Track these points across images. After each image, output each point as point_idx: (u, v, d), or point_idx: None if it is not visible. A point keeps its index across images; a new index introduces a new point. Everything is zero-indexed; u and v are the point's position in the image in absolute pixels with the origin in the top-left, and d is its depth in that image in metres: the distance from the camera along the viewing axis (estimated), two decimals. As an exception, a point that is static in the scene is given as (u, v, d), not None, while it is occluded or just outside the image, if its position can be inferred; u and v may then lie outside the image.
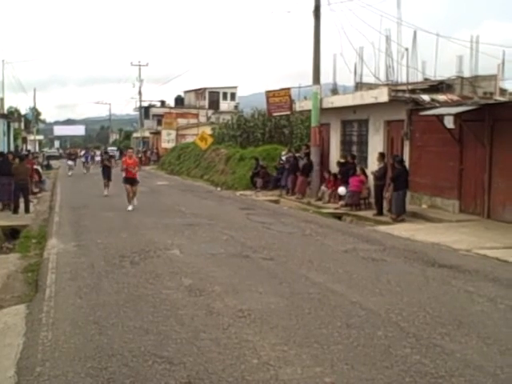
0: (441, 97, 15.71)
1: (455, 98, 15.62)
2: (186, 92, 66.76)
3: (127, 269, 8.47)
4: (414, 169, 15.48)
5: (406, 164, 15.07)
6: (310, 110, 20.51)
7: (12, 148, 33.74)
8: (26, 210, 16.29)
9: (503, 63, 16.75)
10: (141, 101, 56.86)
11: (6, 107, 43.58)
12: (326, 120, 20.22)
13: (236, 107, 55.71)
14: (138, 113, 60.55)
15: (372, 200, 16.14)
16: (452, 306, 6.47)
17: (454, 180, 14.45)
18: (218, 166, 29.72)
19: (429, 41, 20.74)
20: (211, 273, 8.15)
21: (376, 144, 17.55)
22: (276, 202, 19.69)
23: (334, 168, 19.06)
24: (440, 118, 14.12)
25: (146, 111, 61.68)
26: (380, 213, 14.93)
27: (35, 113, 66.85)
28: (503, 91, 16.86)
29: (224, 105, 60.68)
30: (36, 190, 21.76)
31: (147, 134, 59.93)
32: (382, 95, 16.22)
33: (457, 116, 13.66)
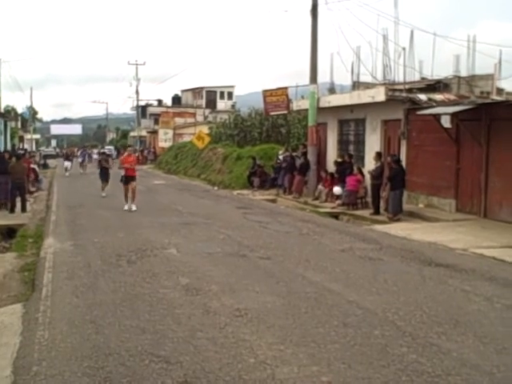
0: (438, 96, 15.74)
1: (452, 97, 15.65)
2: (183, 91, 66.82)
3: (124, 268, 8.46)
4: (411, 168, 15.50)
5: (403, 163, 15.10)
6: (307, 110, 20.53)
7: (9, 147, 33.62)
8: (23, 209, 16.25)
9: (500, 63, 16.76)
10: (138, 100, 56.99)
11: (2, 106, 43.43)
12: (323, 119, 20.24)
13: (233, 106, 55.81)
14: (135, 112, 60.64)
15: (369, 199, 16.15)
16: (448, 305, 6.48)
17: (450, 179, 14.47)
18: (215, 165, 29.70)
19: (426, 40, 20.81)
20: (208, 272, 8.14)
21: (373, 143, 17.57)
22: (273, 201, 19.69)
23: (331, 167, 19.07)
24: (437, 117, 14.14)
25: (143, 110, 61.74)
26: (377, 212, 14.96)
27: (32, 112, 66.63)
28: (500, 91, 16.90)
29: (221, 104, 60.76)
30: (33, 189, 21.68)
31: (144, 133, 59.97)
32: (379, 94, 16.24)
33: (454, 115, 13.68)
